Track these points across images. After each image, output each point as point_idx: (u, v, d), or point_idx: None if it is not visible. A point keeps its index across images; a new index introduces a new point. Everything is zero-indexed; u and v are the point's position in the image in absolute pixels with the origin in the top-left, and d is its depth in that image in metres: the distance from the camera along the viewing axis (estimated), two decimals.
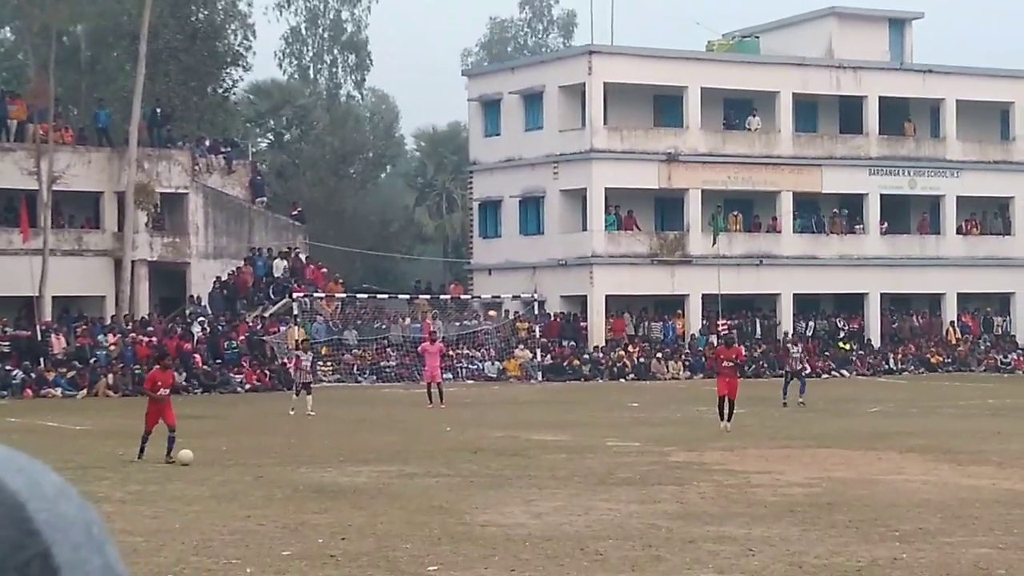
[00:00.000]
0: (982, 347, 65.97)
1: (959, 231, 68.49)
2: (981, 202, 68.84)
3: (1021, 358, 64.66)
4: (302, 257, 61.99)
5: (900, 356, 63.80)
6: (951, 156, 68.32)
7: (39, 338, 50.63)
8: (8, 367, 48.87)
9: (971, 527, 17.25)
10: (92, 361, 50.22)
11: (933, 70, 68.51)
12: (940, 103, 68.63)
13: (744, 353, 44.51)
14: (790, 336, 59.41)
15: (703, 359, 59.95)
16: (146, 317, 55.09)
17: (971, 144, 68.84)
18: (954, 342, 65.66)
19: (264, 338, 55.12)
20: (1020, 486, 21.38)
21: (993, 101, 69.06)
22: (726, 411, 31.95)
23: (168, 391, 25.73)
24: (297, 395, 38.79)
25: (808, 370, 45.36)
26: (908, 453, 26.59)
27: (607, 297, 62.33)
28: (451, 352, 55.71)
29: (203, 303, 57.67)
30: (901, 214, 68.91)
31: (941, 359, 64.17)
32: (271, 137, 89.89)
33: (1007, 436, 30.42)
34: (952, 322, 67.11)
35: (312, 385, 39.33)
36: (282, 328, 55.24)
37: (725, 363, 32.63)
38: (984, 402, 43.16)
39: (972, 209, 68.92)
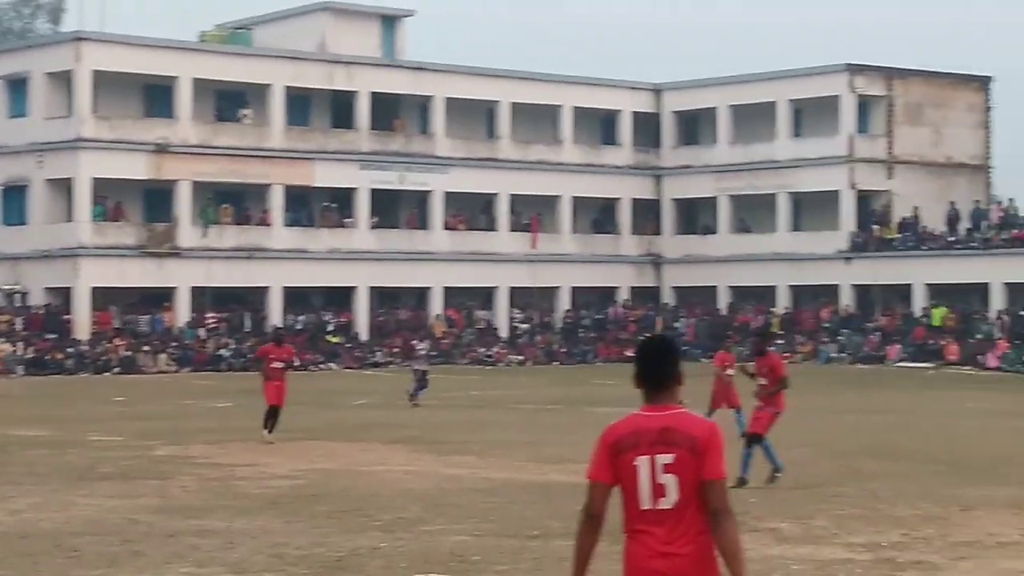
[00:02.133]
0: (466, 340, 67.80)
1: (446, 226, 70.16)
2: (467, 198, 70.73)
3: (503, 351, 66.81)
4: None
5: (387, 349, 64.79)
6: (440, 152, 69.89)
7: None
8: None
9: (451, 515, 17.60)
10: None
11: (423, 67, 69.95)
12: (429, 100, 70.12)
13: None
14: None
15: (192, 352, 59.30)
16: None
17: (459, 141, 70.63)
18: (440, 335, 67.24)
19: None
20: (498, 475, 21.99)
21: (480, 99, 71.10)
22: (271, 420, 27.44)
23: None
24: None
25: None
26: (392, 444, 26.96)
27: (93, 289, 60.68)
28: None
29: None
30: (391, 209, 70.04)
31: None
32: None
33: (488, 426, 31.29)
34: (438, 315, 68.72)
35: None
36: None
37: (275, 364, 28.03)
38: (467, 394, 44.33)
39: (459, 205, 70.73)
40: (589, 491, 6.86)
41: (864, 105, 69.95)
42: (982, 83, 73.48)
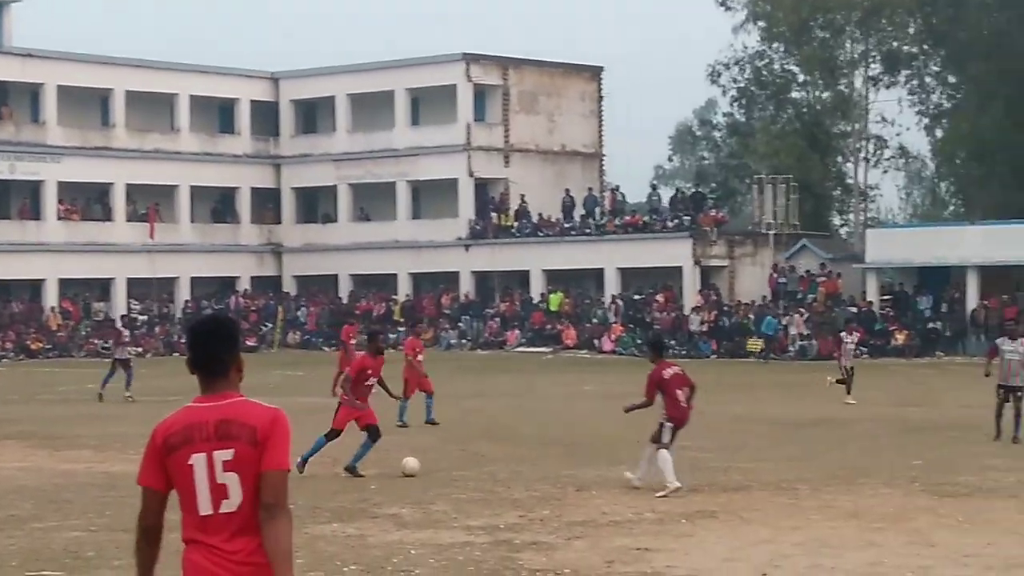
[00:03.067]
0: (83, 332, 66.00)
1: (60, 217, 68.12)
2: (82, 188, 68.85)
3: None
4: None
5: (2, 343, 62.54)
6: (52, 141, 67.75)
7: None
8: None
9: (65, 511, 17.14)
10: None
11: (33, 54, 67.70)
12: (40, 88, 67.95)
13: None
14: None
15: None
16: None
17: (72, 130, 68.65)
18: (55, 328, 65.27)
19: None
20: (114, 468, 21.48)
21: (93, 87, 69.25)
22: None
23: None
24: None
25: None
26: (5, 440, 26.05)
27: None
28: None
29: None
30: (2, 199, 67.60)
31: (42, 345, 63.57)
32: None
33: (105, 420, 30.53)
34: (53, 308, 66.68)
35: None
36: None
37: None
38: (84, 387, 43.15)
39: (73, 195, 68.77)
40: (142, 499, 6.14)
41: (481, 94, 71.04)
42: (594, 73, 75.55)
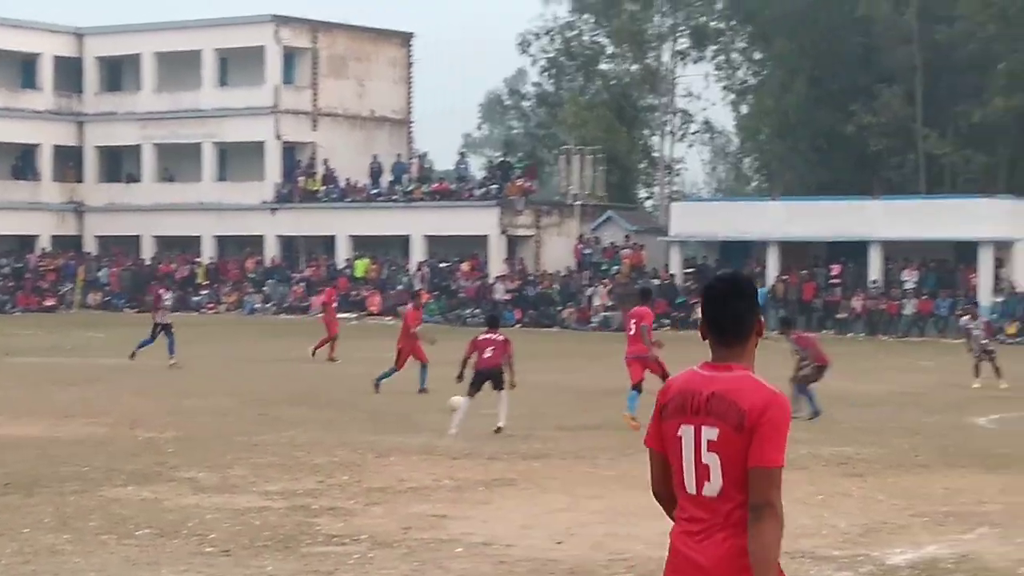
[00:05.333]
0: None
1: None
2: None
3: None
4: None
5: None
6: None
7: None
8: None
9: None
10: None
11: None
12: None
13: None
14: None
15: None
16: None
17: None
18: None
19: None
20: None
21: None
22: None
23: None
24: None
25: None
26: None
27: None
28: None
29: None
30: None
31: None
32: None
33: None
34: None
35: None
36: None
37: None
38: None
39: None
40: (649, 460, 5.75)
41: (290, 57, 70.34)
42: (404, 39, 75.28)
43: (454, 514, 14.64)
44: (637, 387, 22.25)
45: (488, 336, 21.80)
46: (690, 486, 5.47)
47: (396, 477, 17.03)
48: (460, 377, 21.78)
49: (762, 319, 5.63)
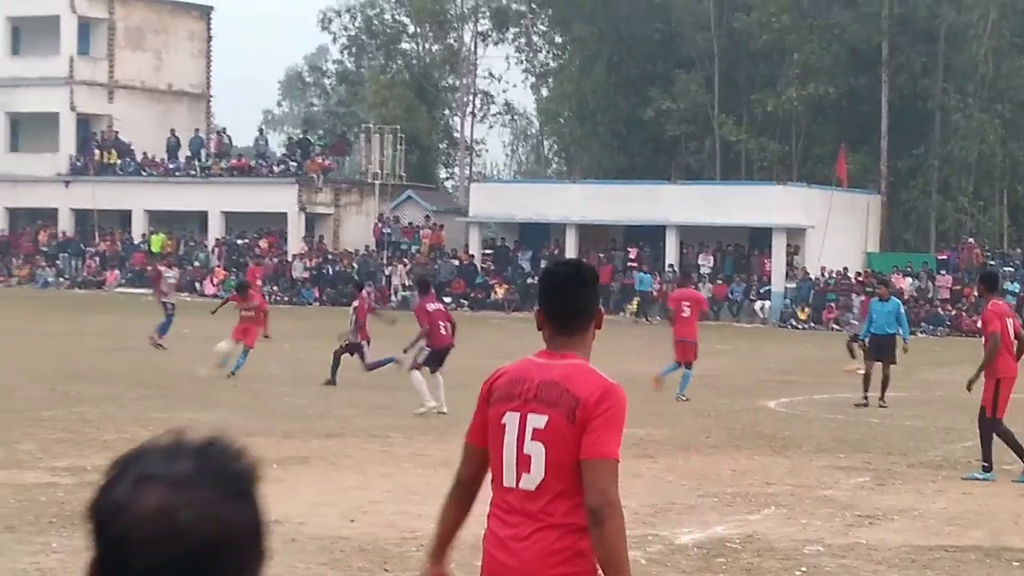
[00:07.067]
0: None
1: None
2: None
3: None
4: None
5: None
6: None
7: None
8: None
9: None
10: None
11: None
12: None
13: None
14: None
15: None
16: None
17: None
18: None
19: None
20: None
21: None
22: None
23: None
24: None
25: None
26: None
27: None
28: None
29: None
30: None
31: None
32: None
33: None
34: None
35: None
36: None
37: None
38: None
39: None
40: (462, 452, 5.45)
41: (85, 27, 68.96)
42: (203, 12, 74.31)
43: None
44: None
45: (440, 307, 22.18)
46: (508, 478, 5.15)
47: None
48: (406, 350, 22.26)
49: (602, 309, 5.41)
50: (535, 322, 5.39)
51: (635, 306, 54.50)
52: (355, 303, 26.38)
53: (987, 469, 16.76)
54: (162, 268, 36.30)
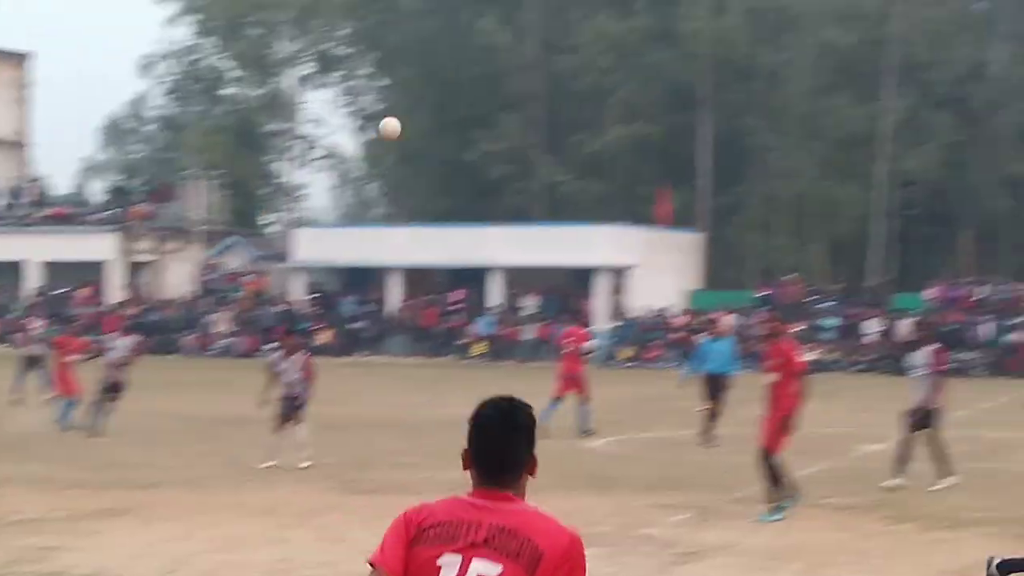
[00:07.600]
0: None
1: None
2: None
3: None
4: None
5: None
6: None
7: None
8: None
9: None
10: None
11: None
12: None
13: None
14: None
15: None
16: None
17: None
18: None
19: None
20: None
21: None
22: None
23: None
24: None
25: None
26: None
27: None
28: None
29: None
30: None
31: None
32: None
33: None
34: None
35: None
36: None
37: None
38: None
39: None
40: None
41: None
42: (20, 59, 72.99)
43: (63, 545, 14.18)
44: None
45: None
46: None
47: (7, 507, 16.40)
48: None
49: (535, 455, 4.83)
50: (461, 462, 4.85)
51: (485, 347, 54.40)
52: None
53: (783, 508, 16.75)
54: (27, 320, 35.82)
